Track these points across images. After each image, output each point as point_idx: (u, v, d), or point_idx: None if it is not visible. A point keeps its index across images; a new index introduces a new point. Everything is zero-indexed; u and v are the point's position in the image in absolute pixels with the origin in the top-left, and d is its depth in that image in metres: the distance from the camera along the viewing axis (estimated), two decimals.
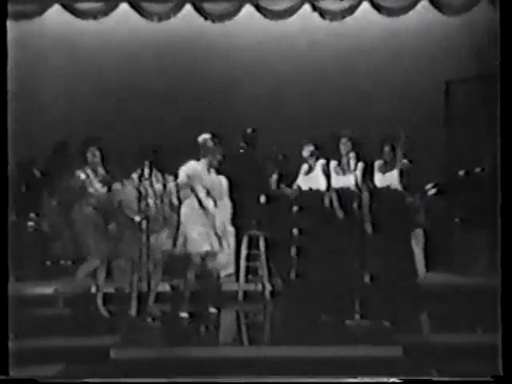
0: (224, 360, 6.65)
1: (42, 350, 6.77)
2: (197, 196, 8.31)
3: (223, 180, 8.68)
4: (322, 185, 9.17)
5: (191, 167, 8.41)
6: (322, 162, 9.26)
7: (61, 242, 9.54)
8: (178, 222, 8.28)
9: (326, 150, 9.34)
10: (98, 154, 8.33)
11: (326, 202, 8.95)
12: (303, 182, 9.36)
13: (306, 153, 9.33)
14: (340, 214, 8.81)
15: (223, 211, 8.59)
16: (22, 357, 5.88)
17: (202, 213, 8.32)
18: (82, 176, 8.26)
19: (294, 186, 9.43)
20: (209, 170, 8.46)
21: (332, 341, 7.12)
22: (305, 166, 9.41)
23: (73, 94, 11.16)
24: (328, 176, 9.15)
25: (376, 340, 7.12)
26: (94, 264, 8.26)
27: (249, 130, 9.91)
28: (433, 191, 10.06)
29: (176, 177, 8.41)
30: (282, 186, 9.67)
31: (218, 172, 8.59)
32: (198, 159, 8.46)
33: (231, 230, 9.05)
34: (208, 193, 8.37)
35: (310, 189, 9.21)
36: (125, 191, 8.22)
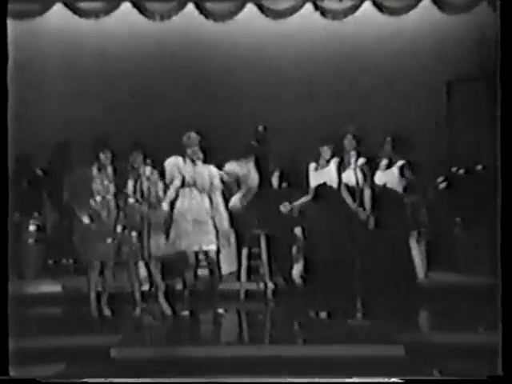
0: (225, 359, 6.65)
1: (43, 349, 6.78)
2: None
3: (212, 172, 8.57)
4: (334, 181, 9.07)
5: (172, 161, 8.42)
6: (336, 159, 9.17)
7: (63, 242, 9.58)
8: (171, 220, 8.30)
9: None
10: (109, 155, 8.33)
11: (344, 197, 8.84)
12: (314, 178, 9.27)
13: (325, 153, 9.23)
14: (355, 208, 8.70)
15: (218, 208, 8.56)
16: (22, 356, 5.88)
17: (195, 210, 8.32)
18: (94, 172, 8.28)
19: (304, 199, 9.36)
20: (193, 162, 8.44)
21: (334, 340, 7.12)
22: (312, 165, 9.32)
23: (74, 94, 11.13)
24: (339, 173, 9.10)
25: (378, 339, 7.11)
26: (98, 264, 8.28)
27: (260, 128, 9.87)
28: (443, 185, 10.05)
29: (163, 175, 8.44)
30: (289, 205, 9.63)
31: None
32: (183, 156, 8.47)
33: (227, 227, 8.90)
34: (192, 184, 8.34)
35: (324, 183, 9.12)
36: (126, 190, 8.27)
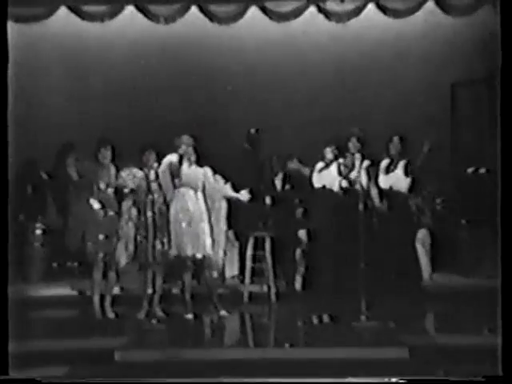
0: (229, 362, 6.64)
1: (47, 352, 6.77)
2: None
3: (207, 175, 8.55)
4: (334, 184, 9.10)
5: (168, 159, 8.42)
6: (337, 162, 9.19)
7: (67, 244, 9.60)
8: (167, 223, 8.32)
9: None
10: (109, 154, 8.36)
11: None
12: (316, 178, 9.29)
13: (327, 155, 9.27)
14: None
15: (217, 213, 8.57)
16: (26, 359, 5.90)
17: (190, 212, 8.33)
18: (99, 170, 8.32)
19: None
20: (189, 164, 8.44)
21: (338, 342, 7.11)
22: (319, 164, 9.34)
23: (78, 96, 11.18)
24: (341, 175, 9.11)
25: (382, 341, 7.11)
26: (101, 265, 8.29)
27: (252, 131, 9.91)
28: (426, 149, 9.74)
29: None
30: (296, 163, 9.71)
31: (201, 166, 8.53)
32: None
33: (225, 231, 8.86)
34: (186, 185, 8.35)
35: (324, 186, 9.16)
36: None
